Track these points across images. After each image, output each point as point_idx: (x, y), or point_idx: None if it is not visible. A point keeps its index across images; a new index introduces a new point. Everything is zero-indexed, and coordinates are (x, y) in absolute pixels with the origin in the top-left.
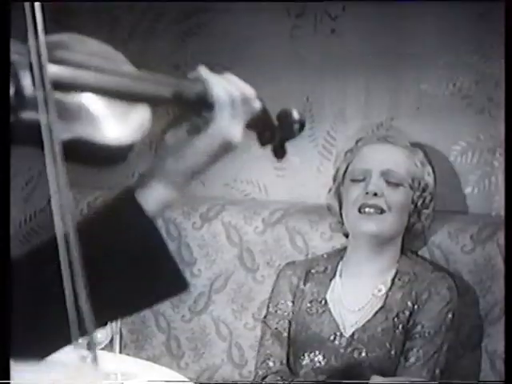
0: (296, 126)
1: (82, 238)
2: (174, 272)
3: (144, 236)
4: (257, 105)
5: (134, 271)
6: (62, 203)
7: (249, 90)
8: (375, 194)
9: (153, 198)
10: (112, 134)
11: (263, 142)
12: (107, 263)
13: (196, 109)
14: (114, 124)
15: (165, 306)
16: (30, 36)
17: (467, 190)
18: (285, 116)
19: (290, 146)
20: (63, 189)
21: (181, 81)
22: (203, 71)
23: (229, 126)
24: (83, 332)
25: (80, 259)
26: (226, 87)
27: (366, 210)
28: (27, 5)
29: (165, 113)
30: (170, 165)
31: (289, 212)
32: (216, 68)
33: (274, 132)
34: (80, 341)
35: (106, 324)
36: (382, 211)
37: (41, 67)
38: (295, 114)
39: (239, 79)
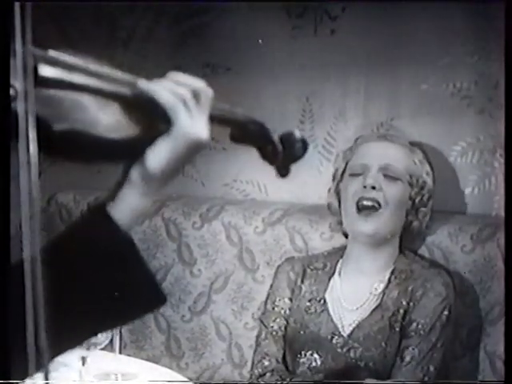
0: (299, 147)
1: (56, 255)
2: (151, 286)
3: (119, 251)
4: (210, 94)
5: (110, 287)
6: (33, 214)
7: (198, 83)
8: (373, 188)
9: (125, 209)
10: (103, 127)
11: (264, 157)
12: (82, 280)
13: (156, 112)
14: (103, 118)
15: (165, 306)
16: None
17: (467, 190)
18: (288, 138)
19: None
20: (36, 204)
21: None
22: (142, 83)
23: (190, 125)
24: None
25: (43, 281)
26: (170, 89)
27: (364, 202)
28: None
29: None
30: (136, 172)
31: (289, 212)
32: (216, 68)
33: (276, 149)
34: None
35: (81, 343)
36: (379, 205)
37: (24, 60)
38: (297, 135)
39: (183, 74)
